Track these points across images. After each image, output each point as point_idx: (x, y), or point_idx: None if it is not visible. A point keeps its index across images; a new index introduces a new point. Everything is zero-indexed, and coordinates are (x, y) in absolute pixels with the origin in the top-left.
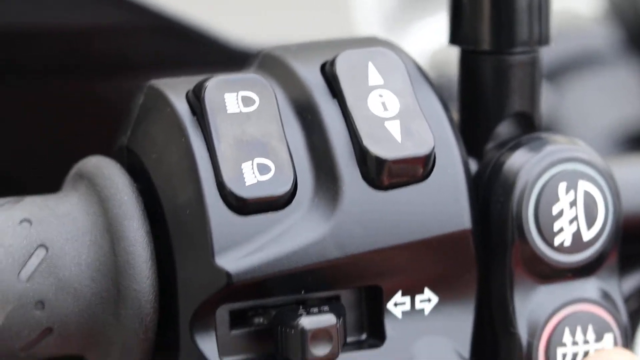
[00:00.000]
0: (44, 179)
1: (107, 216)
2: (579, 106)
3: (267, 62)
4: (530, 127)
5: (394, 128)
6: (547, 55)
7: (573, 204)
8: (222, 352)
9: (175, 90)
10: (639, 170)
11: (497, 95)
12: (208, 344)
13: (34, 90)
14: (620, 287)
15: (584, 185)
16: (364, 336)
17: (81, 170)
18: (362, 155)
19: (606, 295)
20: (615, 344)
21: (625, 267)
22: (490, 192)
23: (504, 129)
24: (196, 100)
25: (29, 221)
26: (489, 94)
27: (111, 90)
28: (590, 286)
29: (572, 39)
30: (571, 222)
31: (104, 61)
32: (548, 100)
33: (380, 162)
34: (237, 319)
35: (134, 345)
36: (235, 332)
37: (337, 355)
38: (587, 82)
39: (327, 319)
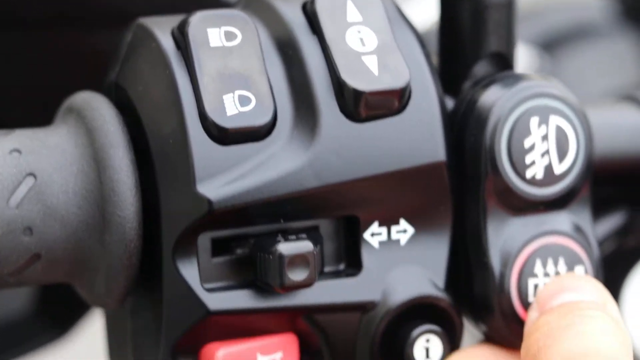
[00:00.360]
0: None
1: (94, 146)
2: (575, 76)
3: (252, 2)
4: (505, 67)
5: (371, 62)
6: (545, 26)
7: (545, 138)
8: (203, 278)
9: (161, 27)
10: (614, 113)
11: (474, 36)
12: (190, 271)
13: (32, 41)
14: (592, 222)
15: (555, 120)
16: (342, 266)
17: (70, 105)
18: (339, 88)
19: (578, 229)
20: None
21: (601, 209)
22: (464, 127)
23: (481, 68)
24: (180, 36)
25: (18, 151)
26: (466, 34)
27: (107, 40)
28: (562, 219)
29: (569, 10)
30: (543, 155)
31: (101, 12)
32: (544, 70)
33: (357, 94)
34: (219, 247)
35: (118, 272)
36: (216, 259)
37: (314, 281)
38: (583, 53)
39: (304, 246)
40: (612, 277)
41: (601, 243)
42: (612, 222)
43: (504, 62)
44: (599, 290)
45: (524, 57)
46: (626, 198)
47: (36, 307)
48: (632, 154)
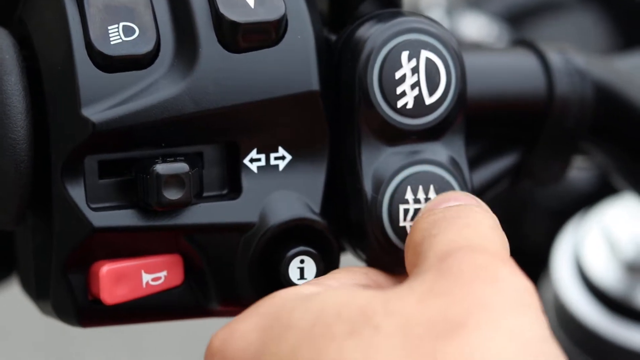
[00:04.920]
0: None
1: None
2: None
3: None
4: (390, 6)
5: None
6: (510, 0)
7: (415, 70)
8: (90, 198)
9: None
10: (507, 56)
11: None
12: (77, 191)
13: None
14: (466, 154)
15: (426, 54)
16: (225, 191)
17: None
18: (218, 20)
19: (451, 160)
20: None
21: (497, 149)
22: (341, 59)
23: (366, 7)
24: None
25: None
26: None
27: None
28: (435, 150)
29: None
30: (413, 87)
31: None
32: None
33: (234, 25)
34: (106, 170)
35: (11, 191)
36: (103, 181)
37: (190, 200)
38: (547, 27)
39: (180, 167)
40: (541, 238)
41: (497, 181)
42: (506, 161)
43: (389, 2)
44: (481, 202)
45: (485, 30)
46: (520, 139)
47: None
48: (516, 94)
